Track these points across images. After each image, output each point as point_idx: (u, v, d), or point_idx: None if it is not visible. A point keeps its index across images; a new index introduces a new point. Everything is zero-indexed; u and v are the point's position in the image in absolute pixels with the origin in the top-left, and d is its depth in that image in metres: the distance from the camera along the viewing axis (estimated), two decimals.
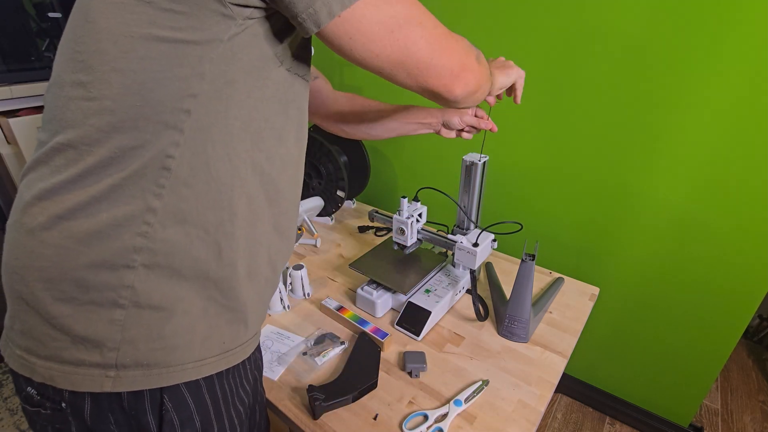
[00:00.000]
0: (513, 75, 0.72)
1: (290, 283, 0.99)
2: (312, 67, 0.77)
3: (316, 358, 0.81)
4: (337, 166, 1.27)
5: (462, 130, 0.88)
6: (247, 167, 0.46)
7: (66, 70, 0.42)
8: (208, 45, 0.40)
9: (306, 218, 1.30)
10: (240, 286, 0.49)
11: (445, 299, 0.93)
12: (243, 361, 0.53)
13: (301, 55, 0.48)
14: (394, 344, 0.87)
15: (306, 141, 0.56)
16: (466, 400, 0.74)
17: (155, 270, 0.43)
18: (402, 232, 0.94)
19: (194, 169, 0.43)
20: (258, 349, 0.59)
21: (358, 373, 0.76)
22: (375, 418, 0.71)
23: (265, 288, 0.55)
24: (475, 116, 0.87)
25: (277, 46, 0.44)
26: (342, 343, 0.85)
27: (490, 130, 0.86)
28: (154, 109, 0.40)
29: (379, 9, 0.40)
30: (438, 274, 1.01)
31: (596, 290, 1.06)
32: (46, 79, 1.53)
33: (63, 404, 0.45)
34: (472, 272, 0.94)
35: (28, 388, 0.47)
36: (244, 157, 0.45)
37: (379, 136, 0.91)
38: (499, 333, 0.90)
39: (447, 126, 0.88)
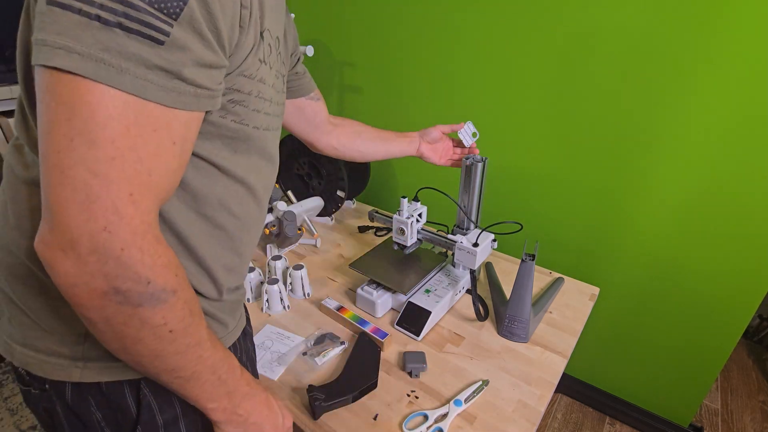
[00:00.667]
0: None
1: (290, 283, 0.99)
2: (313, 88, 0.79)
3: (316, 358, 0.81)
4: (337, 166, 1.27)
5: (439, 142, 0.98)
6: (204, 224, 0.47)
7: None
8: None
9: (306, 218, 1.30)
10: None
11: (445, 299, 0.93)
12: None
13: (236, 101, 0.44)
14: (394, 344, 0.87)
15: (268, 179, 0.54)
16: (466, 400, 0.74)
17: None
18: (402, 232, 0.94)
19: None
20: (243, 342, 0.59)
21: (359, 373, 0.76)
22: (375, 418, 0.71)
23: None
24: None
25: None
26: (342, 343, 0.85)
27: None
28: None
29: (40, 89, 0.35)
30: (438, 274, 1.01)
31: (596, 290, 1.06)
32: None
33: (46, 386, 0.46)
34: (472, 272, 0.94)
35: (19, 368, 0.48)
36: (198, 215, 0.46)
37: (369, 159, 0.98)
38: (499, 333, 0.90)
39: (431, 143, 0.98)
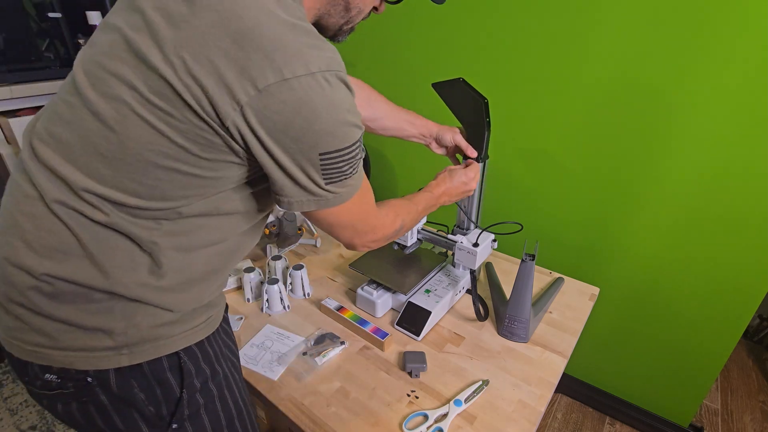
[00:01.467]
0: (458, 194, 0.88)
1: (290, 283, 0.99)
2: None
3: (316, 358, 0.81)
4: None
5: (448, 148, 0.94)
6: (221, 242, 0.55)
7: (87, 148, 0.47)
8: (218, 180, 0.49)
9: (306, 218, 1.30)
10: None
11: (445, 299, 0.93)
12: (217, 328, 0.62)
13: None
14: (394, 344, 0.87)
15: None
16: (466, 400, 0.74)
17: None
18: None
19: (178, 245, 0.51)
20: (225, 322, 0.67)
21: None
22: (375, 418, 0.70)
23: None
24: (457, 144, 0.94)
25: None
26: (342, 343, 0.85)
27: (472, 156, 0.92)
28: (155, 209, 0.48)
29: (331, 214, 0.55)
30: (438, 274, 1.01)
31: (596, 290, 1.06)
32: (46, 79, 1.54)
33: (89, 379, 0.51)
34: (472, 272, 0.94)
35: (47, 375, 0.51)
36: (219, 235, 0.54)
37: (372, 129, 0.94)
38: (499, 333, 0.90)
39: (439, 142, 0.93)
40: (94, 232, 0.47)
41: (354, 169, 0.53)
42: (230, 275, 1.03)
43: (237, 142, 0.46)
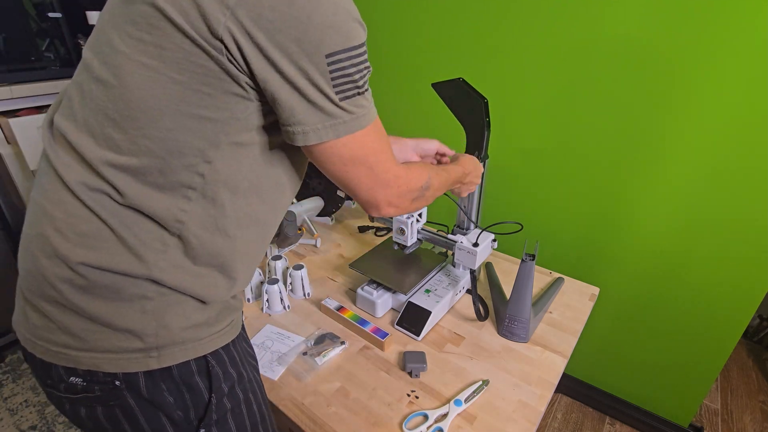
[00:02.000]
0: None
1: (290, 283, 0.99)
2: None
3: (316, 358, 0.81)
4: None
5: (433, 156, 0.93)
6: (250, 219, 0.54)
7: (98, 117, 0.46)
8: (226, 122, 0.47)
9: (306, 218, 1.30)
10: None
11: (445, 299, 0.93)
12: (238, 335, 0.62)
13: None
14: (394, 344, 0.87)
15: (300, 180, 0.61)
16: (466, 400, 0.74)
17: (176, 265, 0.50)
18: (402, 232, 0.94)
19: (204, 223, 0.50)
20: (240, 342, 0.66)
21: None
22: (375, 418, 0.71)
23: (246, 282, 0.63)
24: (439, 161, 0.93)
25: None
26: (342, 343, 0.85)
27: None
28: (173, 170, 0.47)
29: (348, 144, 0.50)
30: (438, 274, 1.01)
31: (596, 290, 1.06)
32: (46, 79, 1.54)
33: (117, 382, 0.50)
34: (472, 272, 0.94)
35: (72, 378, 0.50)
36: (247, 211, 0.53)
37: None
38: (499, 333, 0.90)
39: (420, 154, 0.92)
40: (121, 216, 0.47)
41: (365, 83, 0.50)
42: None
43: (235, 62, 0.43)
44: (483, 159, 0.93)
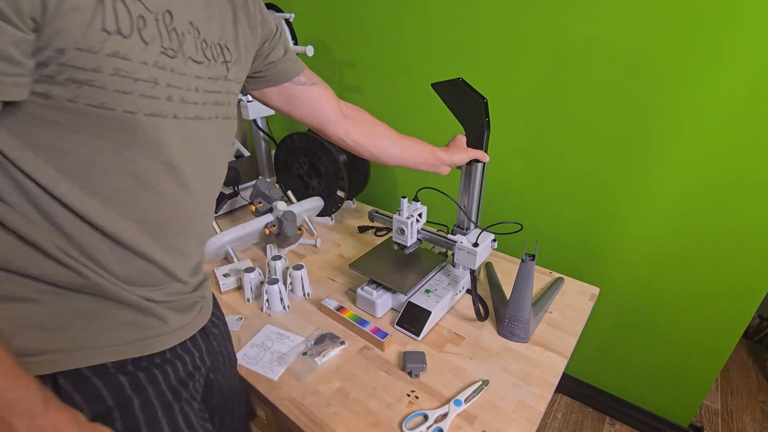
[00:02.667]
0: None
1: (290, 283, 0.99)
2: (308, 72, 0.76)
3: (316, 358, 0.81)
4: (336, 166, 1.27)
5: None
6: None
7: None
8: None
9: (306, 218, 1.30)
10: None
11: (445, 299, 0.93)
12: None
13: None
14: (394, 344, 0.87)
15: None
16: (466, 400, 0.74)
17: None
18: (402, 232, 0.94)
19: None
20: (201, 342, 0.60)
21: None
22: (375, 418, 0.71)
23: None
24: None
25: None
26: (342, 343, 0.85)
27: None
28: None
29: None
30: (438, 274, 1.01)
31: (596, 290, 1.06)
32: None
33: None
34: (472, 272, 0.94)
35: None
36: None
37: (377, 158, 0.88)
38: (499, 333, 0.90)
39: (453, 165, 0.92)
40: None
41: None
42: (230, 275, 1.03)
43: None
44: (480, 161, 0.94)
